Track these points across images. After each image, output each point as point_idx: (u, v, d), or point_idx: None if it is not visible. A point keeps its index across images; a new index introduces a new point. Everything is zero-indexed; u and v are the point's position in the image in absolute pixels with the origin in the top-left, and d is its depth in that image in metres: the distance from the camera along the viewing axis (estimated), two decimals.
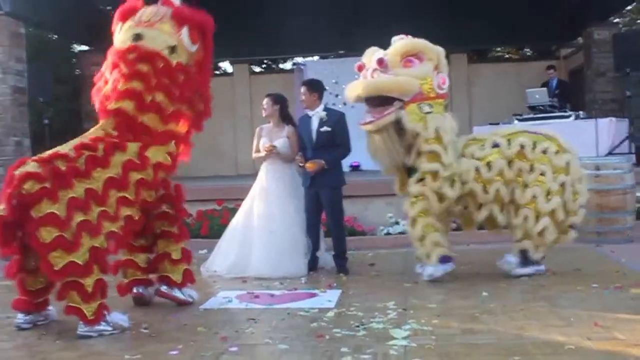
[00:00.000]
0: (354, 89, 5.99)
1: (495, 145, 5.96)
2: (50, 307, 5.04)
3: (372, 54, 5.99)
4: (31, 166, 4.56)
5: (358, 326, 4.55)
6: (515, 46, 19.36)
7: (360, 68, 6.03)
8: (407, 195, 6.02)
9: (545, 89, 11.59)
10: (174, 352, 4.12)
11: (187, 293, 5.50)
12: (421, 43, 5.95)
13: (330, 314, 4.95)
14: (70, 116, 14.68)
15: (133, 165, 4.95)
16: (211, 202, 8.91)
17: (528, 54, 19.28)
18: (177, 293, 5.44)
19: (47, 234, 4.42)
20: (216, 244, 7.02)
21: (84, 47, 15.51)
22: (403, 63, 5.82)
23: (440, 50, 6.00)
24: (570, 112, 10.81)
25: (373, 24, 14.16)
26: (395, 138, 5.86)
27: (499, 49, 19.64)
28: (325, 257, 6.87)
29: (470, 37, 14.54)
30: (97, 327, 4.58)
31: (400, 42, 5.95)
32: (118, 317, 4.73)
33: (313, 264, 6.67)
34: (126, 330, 4.69)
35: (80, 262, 4.48)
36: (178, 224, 5.53)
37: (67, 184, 4.55)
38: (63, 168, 4.59)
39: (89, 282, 4.54)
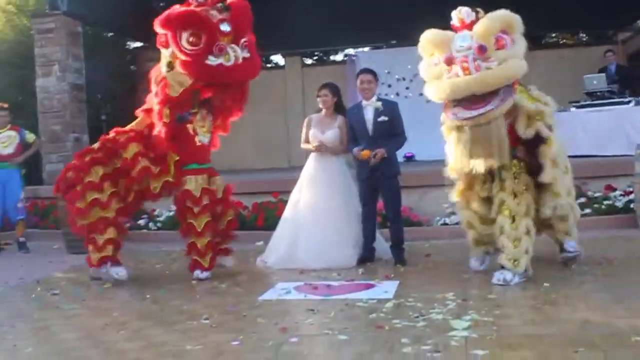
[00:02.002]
0: (459, 89, 5.14)
1: None
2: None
3: (447, 40, 5.27)
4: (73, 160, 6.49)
5: (417, 317, 4.52)
6: (571, 32, 18.93)
7: (450, 61, 5.20)
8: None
9: (603, 74, 11.30)
10: (236, 343, 4.17)
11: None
12: (507, 16, 5.26)
13: (389, 304, 4.93)
14: (126, 112, 14.92)
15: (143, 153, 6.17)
16: (266, 194, 8.97)
17: (584, 39, 18.82)
18: None
19: (72, 205, 6.27)
20: (271, 235, 7.07)
21: (139, 44, 15.78)
22: (495, 43, 5.13)
23: (518, 18, 5.32)
24: (630, 98, 10.52)
25: (425, 13, 14.01)
26: (504, 129, 5.29)
27: (553, 34, 19.23)
28: (383, 248, 6.83)
29: (524, 23, 14.23)
30: (97, 269, 6.31)
31: (487, 21, 5.17)
32: (114, 270, 6.25)
33: (370, 255, 6.66)
34: (120, 281, 6.19)
35: (91, 224, 6.18)
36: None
37: (85, 171, 6.18)
38: (86, 159, 6.24)
39: (100, 239, 6.17)
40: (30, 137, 9.35)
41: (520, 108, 5.31)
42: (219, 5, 6.09)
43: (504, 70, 5.07)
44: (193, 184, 6.21)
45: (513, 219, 5.43)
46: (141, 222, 9.45)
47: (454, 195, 5.89)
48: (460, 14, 5.30)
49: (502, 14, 5.24)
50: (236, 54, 6.03)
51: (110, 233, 6.21)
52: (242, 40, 6.13)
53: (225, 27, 6.00)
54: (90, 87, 11.82)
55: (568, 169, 5.95)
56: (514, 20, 5.25)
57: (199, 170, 6.34)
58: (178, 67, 6.00)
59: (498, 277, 5.40)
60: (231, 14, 6.09)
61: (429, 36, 5.40)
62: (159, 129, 6.14)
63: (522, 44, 5.23)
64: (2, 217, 9.31)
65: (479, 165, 5.39)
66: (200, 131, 6.37)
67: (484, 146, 5.28)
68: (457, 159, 5.49)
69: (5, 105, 9.29)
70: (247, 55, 6.15)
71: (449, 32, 5.34)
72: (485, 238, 5.82)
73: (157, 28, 6.05)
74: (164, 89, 6.02)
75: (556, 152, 5.48)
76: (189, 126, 6.28)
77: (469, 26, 5.22)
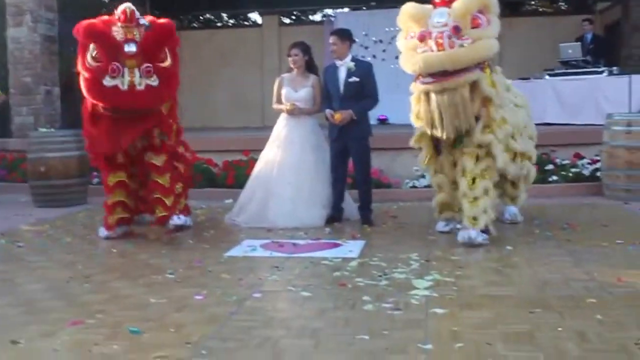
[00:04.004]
0: (431, 64, 5.19)
1: None
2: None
3: (425, 15, 5.31)
4: None
5: (380, 276, 4.58)
6: (550, 0, 18.93)
7: (423, 38, 5.25)
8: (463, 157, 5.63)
9: (579, 43, 11.32)
10: (199, 297, 4.20)
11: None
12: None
13: (353, 263, 4.99)
14: None
15: None
16: (237, 152, 8.96)
17: (563, 7, 18.81)
18: None
19: None
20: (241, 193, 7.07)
21: None
22: (471, 22, 5.19)
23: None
24: (604, 68, 10.58)
25: None
26: (468, 101, 5.32)
27: (532, 2, 19.20)
28: (351, 208, 6.87)
29: None
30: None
31: (466, 1, 5.20)
32: (101, 231, 6.26)
33: (338, 215, 6.70)
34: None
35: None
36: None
37: None
38: None
39: (109, 201, 6.20)
40: None
41: (479, 87, 5.35)
42: (142, 22, 5.66)
43: (477, 49, 5.17)
44: None
45: (473, 181, 5.52)
46: None
47: (423, 162, 5.98)
48: None
49: None
50: (133, 79, 5.49)
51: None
52: (144, 65, 5.53)
53: (130, 48, 5.49)
54: (63, 39, 11.59)
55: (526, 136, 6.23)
56: (492, 1, 5.33)
57: None
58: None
59: (462, 235, 5.50)
60: (146, 35, 5.61)
61: (408, 9, 5.45)
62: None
63: (496, 25, 5.31)
64: None
65: (446, 132, 5.45)
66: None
67: (451, 113, 5.32)
68: (424, 127, 5.60)
69: None
70: (152, 82, 5.57)
71: (427, 7, 5.40)
72: (455, 201, 5.88)
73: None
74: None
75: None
76: None
77: (448, 3, 5.30)
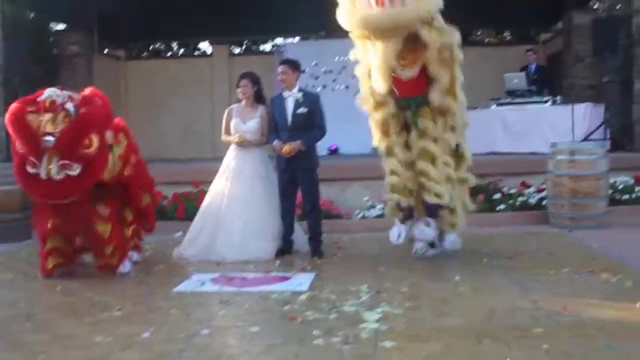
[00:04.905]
0: (370, 23, 5.10)
1: None
2: None
3: None
4: None
5: (330, 309, 4.56)
6: (495, 30, 19.37)
7: None
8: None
9: (523, 73, 11.63)
10: (146, 335, 4.11)
11: None
12: None
13: (303, 297, 4.95)
14: None
15: None
16: (187, 184, 8.88)
17: (508, 38, 19.27)
18: None
19: None
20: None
21: (62, 26, 15.31)
22: None
23: None
24: (548, 97, 10.88)
25: None
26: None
27: (479, 32, 19.63)
28: (301, 240, 6.85)
29: (449, 21, 14.51)
30: None
31: None
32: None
33: (288, 247, 6.68)
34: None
35: None
36: None
37: None
38: None
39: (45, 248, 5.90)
40: None
41: (430, 45, 5.35)
42: (67, 108, 5.50)
43: (419, 6, 5.04)
44: None
45: (433, 162, 5.65)
46: None
47: (376, 141, 6.05)
48: None
49: None
50: (50, 170, 5.35)
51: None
52: (60, 162, 5.36)
53: (48, 140, 5.33)
54: (8, 68, 11.40)
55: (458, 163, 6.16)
56: None
57: None
58: None
59: (419, 229, 5.76)
60: (68, 127, 5.42)
61: None
62: None
63: None
64: None
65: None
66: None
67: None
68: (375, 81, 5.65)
69: None
70: (72, 172, 5.37)
71: None
72: (408, 185, 5.90)
73: None
74: None
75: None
76: None
77: None
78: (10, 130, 5.50)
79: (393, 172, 5.95)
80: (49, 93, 5.53)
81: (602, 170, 7.91)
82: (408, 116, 5.88)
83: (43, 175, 5.36)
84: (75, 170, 5.39)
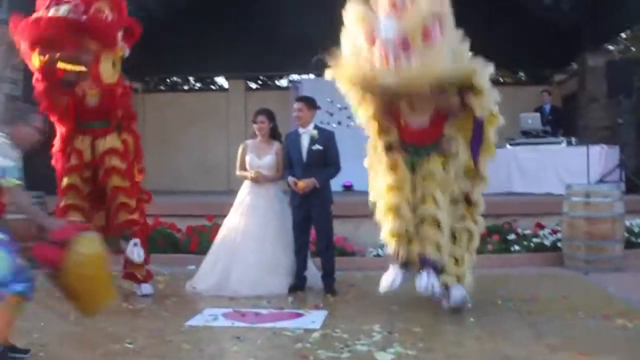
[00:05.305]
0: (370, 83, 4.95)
1: None
2: None
3: (372, 20, 4.94)
4: None
5: (342, 348, 4.53)
6: (510, 71, 19.45)
7: (372, 40, 4.84)
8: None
9: (538, 114, 11.66)
10: None
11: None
12: (439, 7, 4.87)
13: (316, 334, 4.93)
14: None
15: None
16: (201, 217, 8.89)
17: (523, 78, 19.35)
18: None
19: None
20: (203, 260, 6.98)
21: None
22: (423, 36, 4.73)
23: (449, 6, 4.97)
24: (562, 138, 10.88)
25: None
26: None
27: (493, 72, 19.72)
28: (314, 276, 6.83)
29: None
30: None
31: (417, 14, 4.78)
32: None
33: (301, 284, 6.65)
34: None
35: None
36: None
37: None
38: None
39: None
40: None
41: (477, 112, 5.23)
42: None
43: (425, 72, 4.75)
44: None
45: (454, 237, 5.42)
46: None
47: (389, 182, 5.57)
48: None
49: (436, 7, 4.86)
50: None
51: None
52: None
53: None
54: (27, 99, 11.53)
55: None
56: (446, 9, 4.93)
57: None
58: None
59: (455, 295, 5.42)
60: None
61: (355, 13, 5.09)
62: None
63: (453, 35, 4.94)
64: None
65: None
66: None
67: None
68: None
69: None
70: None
71: (372, 15, 5.02)
72: (410, 229, 5.44)
73: None
74: None
75: None
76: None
77: (399, 11, 4.88)
78: None
79: (397, 212, 5.47)
80: None
81: (618, 212, 7.86)
82: (415, 160, 5.52)
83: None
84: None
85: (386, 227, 5.58)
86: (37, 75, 6.02)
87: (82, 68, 5.84)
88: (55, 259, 4.26)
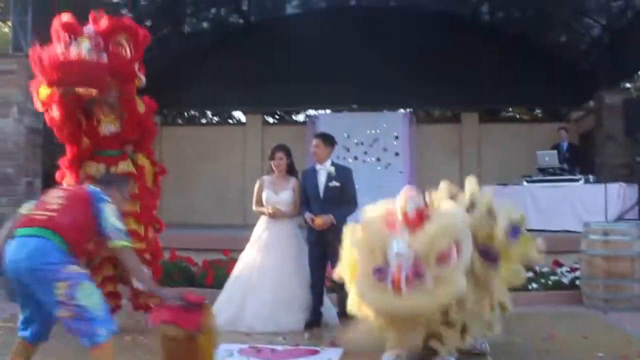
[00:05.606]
0: (383, 309, 4.77)
1: None
2: None
3: (383, 242, 4.76)
4: None
5: None
6: (527, 107, 19.49)
7: (380, 274, 4.66)
8: None
9: (555, 151, 11.64)
10: None
11: None
12: (456, 229, 4.73)
13: None
14: None
15: None
16: (217, 251, 8.90)
17: (539, 115, 19.38)
18: None
19: None
20: (219, 294, 6.97)
21: None
22: (438, 258, 4.60)
23: (465, 227, 4.80)
24: (580, 176, 10.85)
25: (387, 80, 14.36)
26: None
27: (510, 109, 19.77)
28: (330, 312, 6.79)
29: (482, 97, 14.69)
30: None
31: (433, 237, 4.64)
32: None
33: (317, 320, 6.62)
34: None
35: None
36: None
37: None
38: None
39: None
40: None
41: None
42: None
43: (439, 296, 4.54)
44: None
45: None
46: None
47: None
48: (404, 206, 4.82)
49: (452, 227, 4.73)
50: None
51: None
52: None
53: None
54: (48, 131, 11.67)
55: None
56: (463, 229, 4.75)
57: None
58: None
59: None
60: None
61: (364, 236, 4.97)
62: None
63: (467, 253, 4.69)
64: None
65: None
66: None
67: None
68: None
69: None
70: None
71: (384, 233, 4.84)
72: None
73: None
74: None
75: None
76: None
77: (412, 224, 4.77)
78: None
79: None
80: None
81: (637, 251, 7.78)
82: None
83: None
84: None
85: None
86: (47, 106, 6.03)
87: (94, 92, 5.84)
88: (199, 322, 4.39)
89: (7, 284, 4.13)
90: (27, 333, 4.19)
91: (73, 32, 5.77)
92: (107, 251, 5.22)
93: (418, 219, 4.76)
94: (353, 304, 5.12)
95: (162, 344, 4.46)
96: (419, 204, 4.83)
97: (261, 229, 6.88)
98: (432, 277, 4.51)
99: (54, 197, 4.28)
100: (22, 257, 3.92)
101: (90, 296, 3.95)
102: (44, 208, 4.18)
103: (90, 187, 4.50)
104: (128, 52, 5.95)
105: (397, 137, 14.42)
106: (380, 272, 4.63)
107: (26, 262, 3.90)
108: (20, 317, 4.25)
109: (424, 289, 4.50)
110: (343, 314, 6.50)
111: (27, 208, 4.30)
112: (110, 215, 4.21)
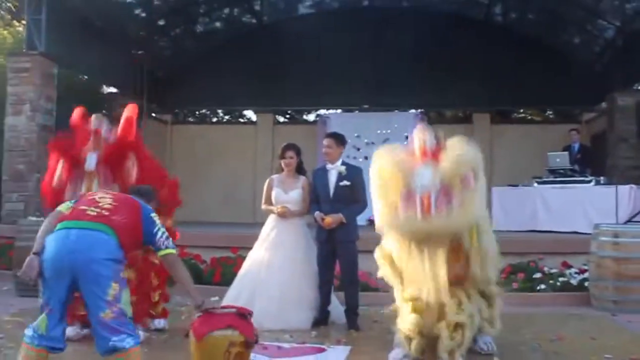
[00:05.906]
0: (416, 231, 4.89)
1: None
2: None
3: (409, 170, 4.99)
4: None
5: None
6: (539, 109, 19.43)
7: (408, 199, 4.86)
8: None
9: (566, 152, 11.59)
10: None
11: None
12: (475, 159, 5.02)
13: None
14: None
15: None
16: (226, 249, 8.94)
17: (551, 116, 19.31)
18: None
19: None
20: (227, 291, 6.99)
21: (113, 90, 15.82)
22: (460, 183, 4.87)
23: (481, 158, 5.11)
24: (591, 178, 10.80)
25: (398, 80, 14.37)
26: None
27: (522, 110, 19.72)
28: (338, 311, 6.80)
29: (494, 98, 14.68)
30: None
31: (455, 164, 4.91)
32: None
33: (324, 318, 6.63)
34: None
35: None
36: None
37: None
38: None
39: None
40: None
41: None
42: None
43: (465, 215, 4.82)
44: None
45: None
46: None
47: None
48: (421, 142, 5.14)
49: (471, 157, 5.00)
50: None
51: None
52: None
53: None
54: (60, 129, 11.76)
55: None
56: (480, 160, 5.06)
57: None
58: None
59: None
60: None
61: (391, 159, 5.12)
62: None
63: (483, 182, 5.06)
64: None
65: None
66: None
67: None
68: None
69: None
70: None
71: (407, 162, 5.08)
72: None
73: None
74: None
75: None
76: None
77: (432, 156, 5.05)
78: None
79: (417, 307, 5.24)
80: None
81: None
82: None
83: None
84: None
85: (402, 315, 5.37)
86: None
87: None
88: (254, 331, 4.51)
89: (42, 274, 3.96)
90: (54, 339, 4.03)
91: None
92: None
93: (437, 150, 5.08)
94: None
95: (216, 349, 4.36)
96: (434, 138, 5.17)
97: (270, 227, 6.89)
98: (459, 200, 4.81)
99: (104, 198, 4.17)
100: (83, 247, 3.78)
101: (128, 303, 3.93)
102: (97, 205, 4.04)
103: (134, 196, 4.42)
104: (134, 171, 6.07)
105: (407, 137, 14.37)
106: (408, 200, 4.84)
107: (87, 253, 3.77)
108: (43, 324, 4.07)
109: (450, 211, 4.78)
110: (350, 313, 6.56)
111: (67, 207, 4.19)
112: (161, 225, 4.20)
